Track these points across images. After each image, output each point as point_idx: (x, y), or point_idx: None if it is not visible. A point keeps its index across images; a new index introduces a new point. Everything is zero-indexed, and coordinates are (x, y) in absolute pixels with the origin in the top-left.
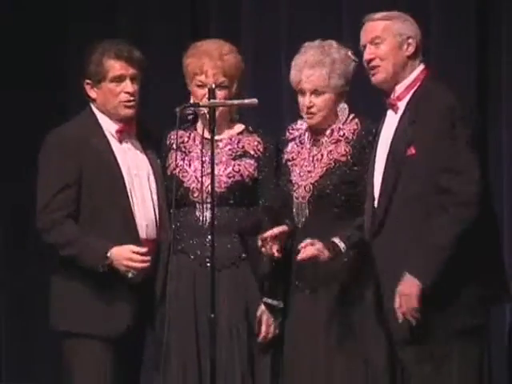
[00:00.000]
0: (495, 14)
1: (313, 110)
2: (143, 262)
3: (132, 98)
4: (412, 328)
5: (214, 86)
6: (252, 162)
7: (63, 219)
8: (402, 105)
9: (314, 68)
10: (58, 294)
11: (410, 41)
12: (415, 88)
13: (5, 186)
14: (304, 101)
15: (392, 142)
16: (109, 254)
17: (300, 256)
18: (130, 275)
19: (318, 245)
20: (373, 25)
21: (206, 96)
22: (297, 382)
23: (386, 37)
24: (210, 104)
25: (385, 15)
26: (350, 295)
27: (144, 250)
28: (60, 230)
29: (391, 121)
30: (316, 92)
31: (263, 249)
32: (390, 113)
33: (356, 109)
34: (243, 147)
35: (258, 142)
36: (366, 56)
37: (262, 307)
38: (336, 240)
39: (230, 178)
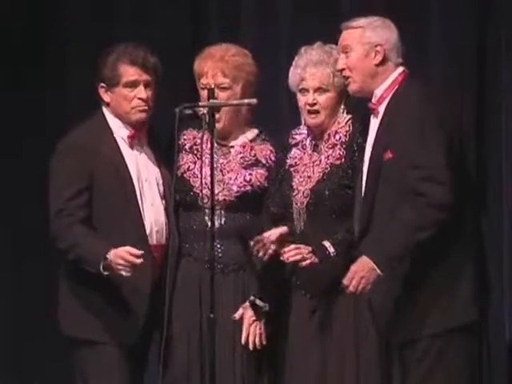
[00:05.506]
0: (496, 14)
1: (316, 107)
2: (134, 264)
3: (144, 104)
4: (394, 313)
5: (212, 85)
6: (263, 171)
7: (74, 224)
8: (381, 109)
9: (317, 67)
10: (69, 300)
11: (378, 48)
12: (393, 91)
13: (5, 185)
14: (307, 98)
15: (373, 147)
16: (108, 256)
17: (284, 256)
18: (124, 274)
19: (304, 250)
20: (346, 33)
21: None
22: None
23: (354, 46)
24: (210, 104)
25: (357, 23)
26: (345, 298)
27: (140, 252)
28: (69, 233)
29: (373, 125)
30: (320, 90)
31: (255, 250)
32: (372, 117)
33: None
34: (255, 155)
35: (271, 150)
36: (337, 65)
37: (247, 305)
38: (326, 244)
39: (240, 187)
